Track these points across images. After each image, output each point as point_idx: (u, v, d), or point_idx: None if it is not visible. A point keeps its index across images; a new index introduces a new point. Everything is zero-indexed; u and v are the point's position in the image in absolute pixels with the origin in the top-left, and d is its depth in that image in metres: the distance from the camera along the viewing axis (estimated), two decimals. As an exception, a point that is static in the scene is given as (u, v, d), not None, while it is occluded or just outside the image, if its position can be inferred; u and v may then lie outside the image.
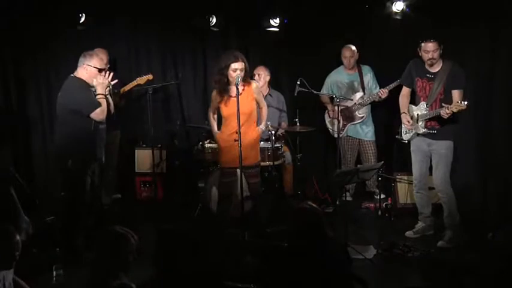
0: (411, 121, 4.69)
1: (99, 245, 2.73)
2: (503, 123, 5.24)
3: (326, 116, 5.95)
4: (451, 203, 4.66)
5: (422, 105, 4.61)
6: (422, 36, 4.56)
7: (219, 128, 4.81)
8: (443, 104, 4.46)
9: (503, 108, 5.23)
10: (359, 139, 5.86)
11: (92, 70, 4.24)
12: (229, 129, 4.57)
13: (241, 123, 4.38)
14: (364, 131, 5.84)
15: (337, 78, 5.83)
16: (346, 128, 5.84)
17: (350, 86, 5.78)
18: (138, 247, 2.83)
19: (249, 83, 4.62)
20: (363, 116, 5.78)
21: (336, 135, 5.77)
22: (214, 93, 4.68)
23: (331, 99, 5.77)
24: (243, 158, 4.37)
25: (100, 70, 4.27)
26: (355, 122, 5.81)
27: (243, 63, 4.48)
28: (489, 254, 4.34)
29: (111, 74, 4.46)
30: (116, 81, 4.68)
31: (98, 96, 4.23)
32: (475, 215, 5.14)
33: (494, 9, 5.09)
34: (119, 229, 2.75)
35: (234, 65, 4.45)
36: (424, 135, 4.66)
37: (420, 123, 4.62)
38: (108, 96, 4.38)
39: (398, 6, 5.34)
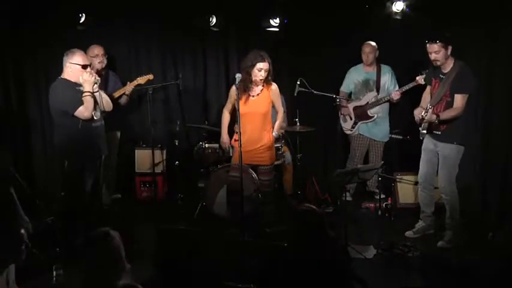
0: (421, 115, 4.52)
1: (87, 253, 2.64)
2: (503, 123, 5.24)
3: (340, 113, 5.92)
4: (454, 204, 4.65)
5: (428, 105, 4.55)
6: (426, 36, 4.52)
7: (231, 126, 4.94)
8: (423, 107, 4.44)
9: (503, 108, 5.23)
10: (370, 138, 5.85)
11: (76, 67, 4.22)
12: (246, 127, 4.64)
13: (257, 123, 4.65)
14: (378, 131, 5.81)
15: (355, 75, 5.84)
16: (357, 125, 5.84)
17: (365, 84, 5.77)
18: (131, 245, 2.78)
19: (270, 84, 4.70)
20: (373, 116, 5.75)
21: (346, 132, 5.89)
22: (233, 88, 4.67)
23: (349, 96, 5.88)
24: (259, 159, 4.62)
25: (84, 66, 4.24)
26: (366, 121, 5.80)
27: (268, 64, 4.57)
28: (489, 254, 4.34)
29: (101, 74, 4.41)
30: (98, 79, 4.62)
31: (84, 94, 4.19)
32: (475, 215, 5.14)
33: (494, 9, 5.09)
34: (100, 231, 2.66)
35: (259, 65, 4.55)
36: (430, 135, 4.64)
37: (424, 124, 4.55)
38: (99, 93, 4.32)
39: (398, 6, 5.34)
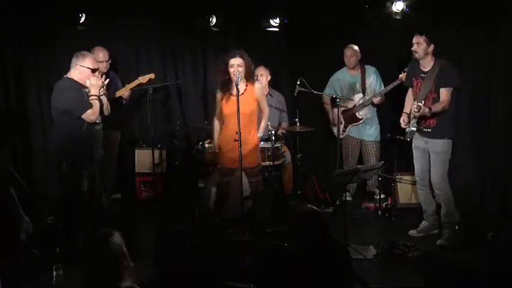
0: (406, 121, 4.69)
1: (89, 253, 2.55)
2: (502, 123, 5.23)
3: (330, 116, 5.94)
4: (449, 201, 4.68)
5: (414, 103, 4.58)
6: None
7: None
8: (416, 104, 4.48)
9: (502, 107, 5.22)
10: (361, 140, 5.86)
11: (85, 71, 4.21)
12: (231, 128, 4.53)
13: (241, 123, 4.35)
14: (367, 131, 5.83)
15: (340, 78, 5.84)
16: (347, 129, 5.85)
17: (351, 87, 5.78)
18: (131, 245, 2.77)
19: (252, 83, 4.60)
20: (362, 118, 5.77)
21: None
22: (218, 93, 4.67)
23: (333, 100, 5.73)
24: (246, 160, 4.41)
25: (93, 70, 4.23)
26: (356, 124, 5.81)
27: (242, 60, 4.46)
28: (489, 254, 4.34)
29: (103, 76, 4.41)
30: (107, 80, 4.65)
31: (91, 98, 4.20)
32: (475, 215, 5.14)
33: (493, 9, 5.09)
34: (102, 231, 2.61)
35: (231, 61, 4.45)
36: (419, 132, 4.66)
37: (412, 121, 4.60)
38: (103, 97, 4.34)
39: (398, 6, 5.34)
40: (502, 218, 4.97)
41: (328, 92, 5.83)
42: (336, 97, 5.28)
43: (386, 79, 5.79)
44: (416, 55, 4.58)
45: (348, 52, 5.70)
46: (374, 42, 5.84)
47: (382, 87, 5.70)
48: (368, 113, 5.78)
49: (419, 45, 4.52)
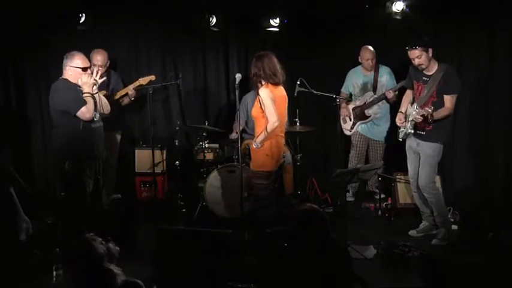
0: (402, 119, 4.67)
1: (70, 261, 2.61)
2: (502, 124, 5.24)
3: (340, 114, 5.92)
4: (438, 202, 4.69)
5: (414, 106, 4.55)
6: (407, 42, 4.48)
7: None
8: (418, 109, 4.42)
9: (502, 108, 5.23)
10: (369, 138, 5.88)
11: (75, 70, 4.24)
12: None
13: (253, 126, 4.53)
14: (373, 130, 5.84)
15: (354, 78, 5.86)
16: (356, 126, 5.86)
17: (363, 87, 5.80)
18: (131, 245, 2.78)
19: (259, 88, 4.47)
20: (370, 115, 5.77)
21: (346, 133, 5.91)
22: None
23: (349, 96, 5.91)
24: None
25: (84, 69, 4.25)
26: (364, 121, 5.82)
27: (252, 67, 4.42)
28: (489, 254, 4.35)
29: (98, 72, 4.41)
30: (104, 78, 4.62)
31: (84, 95, 4.21)
32: (475, 215, 5.14)
33: (492, 10, 5.10)
34: (82, 239, 2.62)
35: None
36: (414, 135, 4.65)
37: (409, 123, 4.58)
38: (98, 94, 4.34)
39: (398, 6, 5.34)
40: (502, 218, 4.98)
41: (344, 88, 5.91)
42: (335, 97, 5.28)
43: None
44: (423, 66, 4.45)
45: (367, 55, 5.62)
46: (374, 43, 5.82)
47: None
48: (379, 112, 5.76)
49: (420, 57, 4.39)
